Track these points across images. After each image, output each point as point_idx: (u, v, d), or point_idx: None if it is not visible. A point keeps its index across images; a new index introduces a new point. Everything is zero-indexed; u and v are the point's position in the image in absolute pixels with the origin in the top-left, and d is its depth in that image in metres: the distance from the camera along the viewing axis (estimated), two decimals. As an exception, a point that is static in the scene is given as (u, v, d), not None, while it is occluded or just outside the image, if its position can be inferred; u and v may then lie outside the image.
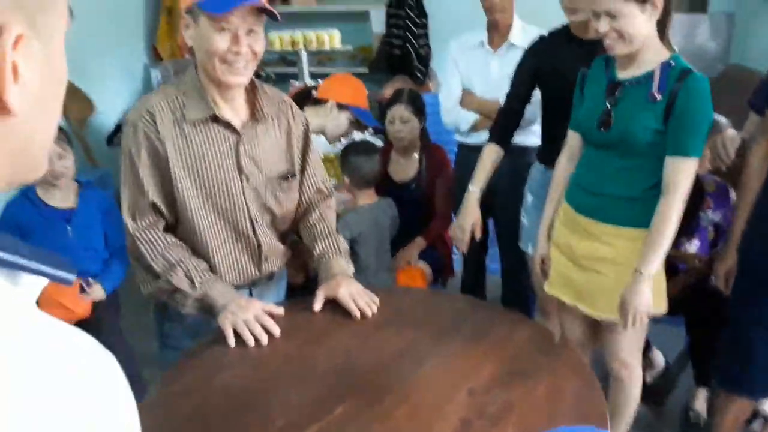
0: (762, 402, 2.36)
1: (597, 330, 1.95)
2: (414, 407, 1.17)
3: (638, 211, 1.72)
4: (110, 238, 2.46)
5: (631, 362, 1.93)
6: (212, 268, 1.56)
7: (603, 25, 1.62)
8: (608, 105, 1.71)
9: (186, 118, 1.48)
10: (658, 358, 2.63)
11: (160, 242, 1.50)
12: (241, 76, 1.47)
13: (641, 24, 1.61)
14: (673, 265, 2.44)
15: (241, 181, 1.55)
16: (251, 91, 1.57)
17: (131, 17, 4.78)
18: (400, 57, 4.78)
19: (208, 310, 1.49)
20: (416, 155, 2.77)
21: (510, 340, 1.41)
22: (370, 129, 3.95)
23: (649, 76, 1.65)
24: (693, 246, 2.44)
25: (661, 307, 1.81)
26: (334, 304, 1.55)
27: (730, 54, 4.89)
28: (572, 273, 1.86)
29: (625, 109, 1.69)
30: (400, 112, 2.67)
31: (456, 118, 2.65)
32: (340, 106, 2.35)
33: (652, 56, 1.66)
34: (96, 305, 2.32)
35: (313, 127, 2.37)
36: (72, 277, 0.41)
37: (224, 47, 1.41)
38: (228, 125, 1.52)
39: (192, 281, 1.48)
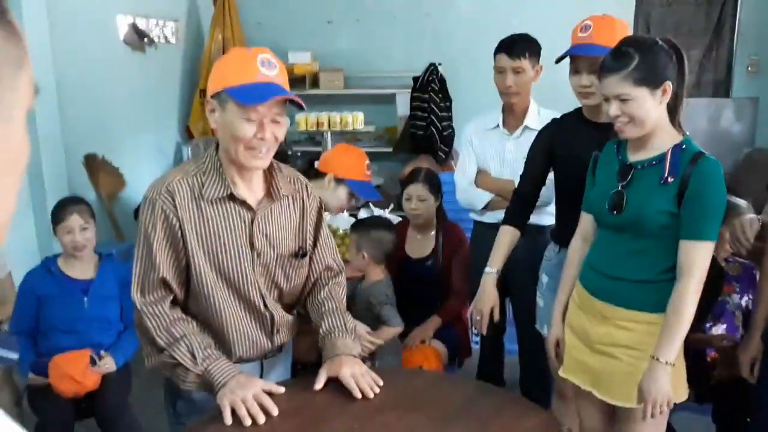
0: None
1: (615, 418, 1.87)
2: None
3: (653, 295, 1.68)
4: (126, 311, 2.48)
5: (650, 451, 1.82)
6: (226, 342, 1.58)
7: (614, 109, 1.64)
8: (620, 187, 1.71)
9: (204, 196, 1.52)
10: (686, 453, 2.48)
11: (166, 317, 1.51)
12: (262, 160, 1.52)
13: (651, 108, 1.62)
14: (700, 352, 2.35)
15: (253, 258, 1.58)
16: (268, 170, 1.61)
17: (168, 98, 5.02)
18: (424, 137, 4.88)
19: (208, 387, 1.48)
20: (433, 233, 2.78)
21: (515, 429, 1.35)
22: (391, 204, 4.03)
23: (661, 159, 1.65)
24: (720, 329, 2.36)
25: (683, 396, 1.73)
26: (336, 384, 1.52)
27: (755, 138, 4.89)
28: (587, 357, 1.80)
29: (637, 192, 1.68)
30: (417, 190, 2.70)
31: (471, 197, 2.67)
32: (338, 180, 2.37)
33: (663, 140, 1.67)
34: (106, 378, 2.31)
35: None
36: (13, 355, 0.41)
37: (250, 135, 1.46)
38: (244, 203, 1.55)
39: (194, 356, 1.48)
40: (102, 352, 2.35)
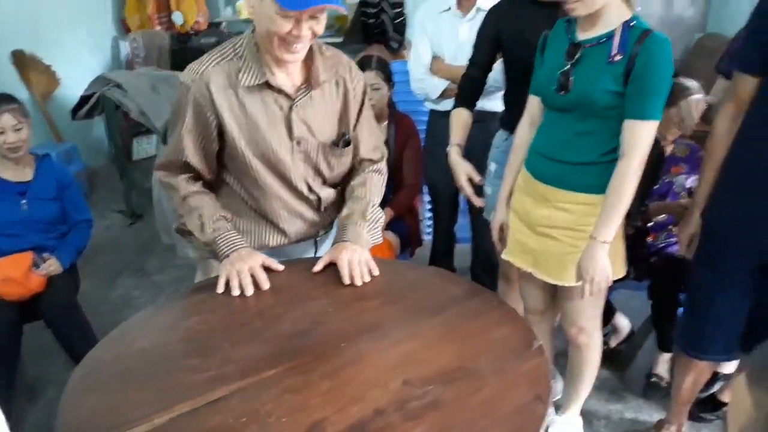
0: (722, 364, 2.38)
1: (556, 297, 1.94)
2: (340, 384, 1.13)
3: (595, 177, 1.69)
4: (69, 213, 2.41)
5: (588, 328, 1.92)
6: (279, 223, 1.63)
7: None
8: (568, 65, 1.67)
9: (240, 83, 1.48)
10: (623, 324, 2.64)
11: (182, 189, 1.57)
12: (297, 54, 1.46)
13: None
14: (640, 233, 2.43)
15: (292, 146, 1.56)
16: (308, 56, 1.53)
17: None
18: (375, 25, 4.71)
19: (215, 256, 1.55)
20: (385, 124, 2.73)
21: (486, 334, 1.31)
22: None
23: (610, 36, 1.61)
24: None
25: (620, 273, 1.80)
26: (335, 270, 1.52)
27: (707, 23, 4.86)
28: (529, 239, 1.84)
29: (584, 70, 1.65)
30: (369, 78, 2.60)
31: (426, 86, 2.61)
32: None
33: (613, 17, 1.62)
34: (52, 279, 2.27)
35: None
36: None
37: (286, 30, 1.39)
38: (280, 91, 1.51)
39: (203, 226, 1.54)
40: (45, 255, 2.30)
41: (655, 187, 2.43)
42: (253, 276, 1.48)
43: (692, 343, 1.91)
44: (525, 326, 1.34)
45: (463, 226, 2.94)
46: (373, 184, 1.70)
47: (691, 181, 2.41)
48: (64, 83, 4.16)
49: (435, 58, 2.59)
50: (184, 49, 4.78)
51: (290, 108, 1.53)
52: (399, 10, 4.72)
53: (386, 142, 2.69)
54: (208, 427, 1.04)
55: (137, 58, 4.61)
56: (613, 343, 2.57)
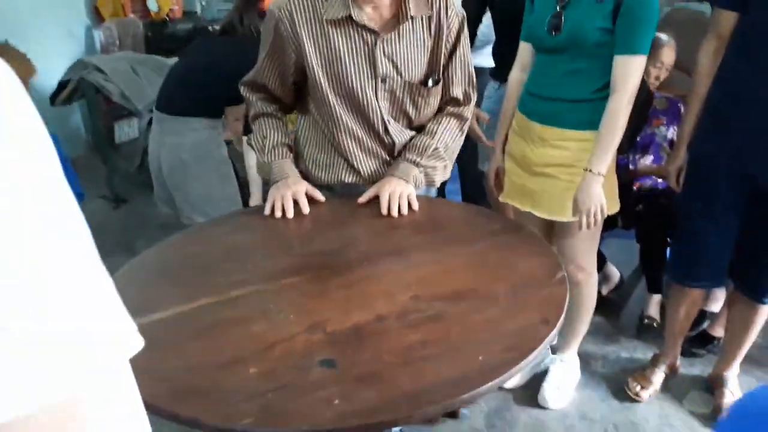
0: (710, 301, 2.49)
1: (554, 235, 2.01)
2: (352, 295, 1.17)
3: (588, 113, 1.77)
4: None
5: (586, 266, 1.99)
6: (351, 160, 1.60)
7: None
8: (558, 8, 1.75)
9: (324, 17, 1.47)
10: (614, 272, 2.73)
11: (257, 107, 1.63)
12: None
13: None
14: (628, 184, 2.53)
15: (376, 84, 1.52)
16: None
17: (69, -24, 4.61)
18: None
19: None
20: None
21: (511, 264, 1.30)
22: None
23: None
24: (647, 161, 2.53)
25: (614, 208, 1.88)
26: (378, 203, 1.54)
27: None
28: (526, 181, 1.90)
29: (574, 11, 1.73)
30: None
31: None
32: None
33: None
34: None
35: None
36: None
37: None
38: (365, 26, 1.47)
39: (264, 150, 1.59)
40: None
41: (638, 138, 2.53)
42: (296, 201, 1.51)
43: (684, 272, 2.00)
44: (555, 260, 1.30)
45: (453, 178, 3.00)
46: (445, 128, 1.63)
47: (671, 132, 2.51)
48: (39, 72, 4.10)
49: None
50: (159, 37, 4.76)
51: (375, 43, 1.48)
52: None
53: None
54: (222, 317, 1.10)
55: (111, 46, 4.57)
56: (604, 291, 2.66)
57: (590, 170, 1.75)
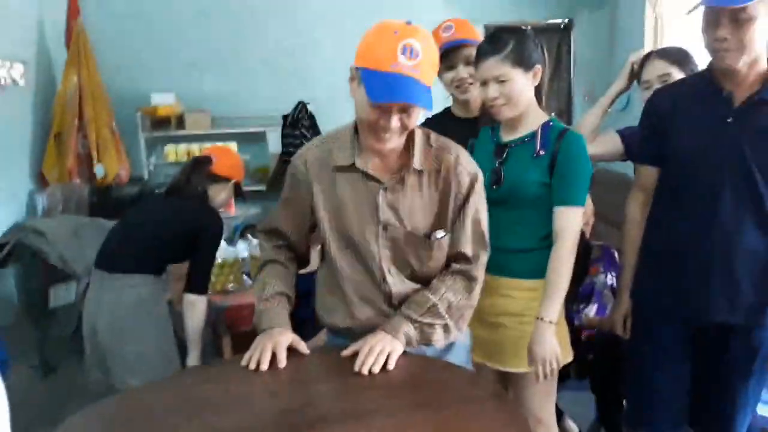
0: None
1: (510, 387, 1.96)
2: None
3: (533, 262, 1.82)
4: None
5: (545, 418, 1.93)
6: (349, 305, 1.59)
7: (492, 91, 1.78)
8: (497, 164, 1.85)
9: (331, 164, 1.54)
10: (571, 427, 2.65)
11: (266, 252, 1.66)
12: (386, 144, 1.45)
13: (524, 88, 1.79)
14: (576, 333, 2.54)
15: (378, 231, 1.54)
16: (408, 141, 1.53)
17: (18, 142, 4.65)
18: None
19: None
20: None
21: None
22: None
23: (533, 136, 1.82)
24: (592, 310, 2.56)
25: (568, 357, 1.86)
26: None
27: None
28: (477, 330, 1.88)
29: (513, 166, 1.83)
30: None
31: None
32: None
33: (533, 119, 1.84)
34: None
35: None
36: None
37: (375, 119, 1.42)
38: (370, 175, 1.52)
39: (260, 298, 1.58)
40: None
41: (580, 288, 2.58)
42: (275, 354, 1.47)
43: (638, 419, 1.96)
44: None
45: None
46: (449, 285, 1.58)
47: (610, 279, 2.59)
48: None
49: None
50: (104, 202, 4.75)
51: (378, 192, 1.53)
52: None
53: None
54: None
55: (54, 210, 4.52)
56: (564, 447, 2.56)
57: (541, 318, 1.75)
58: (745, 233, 1.70)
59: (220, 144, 4.56)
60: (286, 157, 4.97)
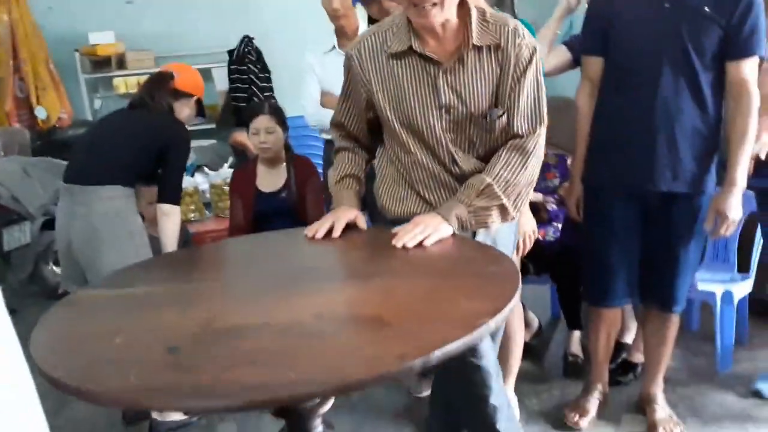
0: (624, 334, 2.63)
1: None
2: (269, 304, 1.20)
3: None
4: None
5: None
6: (418, 189, 1.60)
7: None
8: None
9: (388, 51, 1.52)
10: (532, 319, 2.84)
11: (335, 142, 1.72)
12: (429, 18, 1.42)
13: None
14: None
15: (441, 115, 1.52)
16: (462, 18, 1.48)
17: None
18: (249, 109, 4.86)
19: None
20: (283, 165, 2.83)
21: (449, 302, 1.16)
22: (225, 164, 4.11)
23: None
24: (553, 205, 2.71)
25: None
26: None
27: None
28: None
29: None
30: (264, 122, 2.73)
31: (321, 117, 2.77)
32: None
33: None
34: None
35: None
36: None
37: None
38: (428, 57, 1.49)
39: (332, 183, 1.65)
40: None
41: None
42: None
43: (598, 295, 2.14)
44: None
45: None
46: (504, 163, 1.53)
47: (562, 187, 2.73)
48: None
49: (325, 93, 2.78)
50: (47, 145, 4.61)
51: (437, 74, 1.50)
52: (269, 93, 4.94)
53: (287, 182, 2.81)
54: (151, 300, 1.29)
55: (-5, 156, 4.38)
56: (527, 338, 2.73)
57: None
58: (684, 111, 1.86)
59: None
60: (234, 92, 4.91)
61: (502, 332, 1.86)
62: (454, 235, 1.46)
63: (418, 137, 1.55)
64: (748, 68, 1.84)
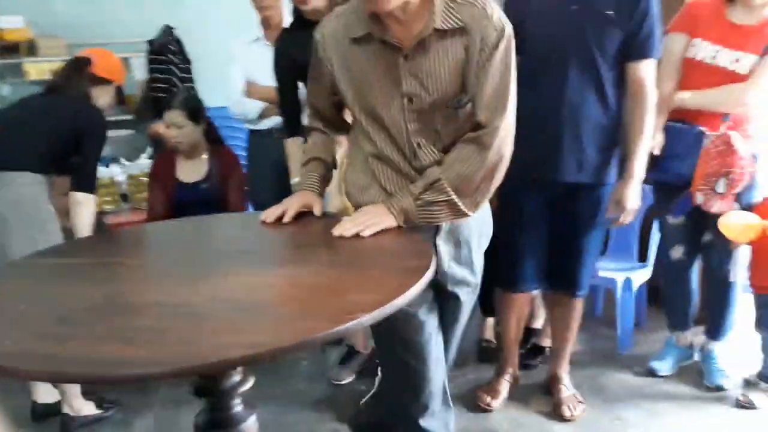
0: (533, 320, 2.77)
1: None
2: (183, 284, 1.21)
3: None
4: None
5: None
6: (384, 183, 1.52)
7: None
8: None
9: (348, 36, 1.44)
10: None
11: (309, 122, 1.70)
12: (377, 4, 1.31)
13: None
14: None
15: (403, 104, 1.43)
16: (429, 2, 1.37)
17: None
18: (167, 100, 4.75)
19: None
20: (204, 156, 2.81)
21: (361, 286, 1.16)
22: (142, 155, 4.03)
23: None
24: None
25: None
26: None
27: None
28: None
29: None
30: (173, 117, 2.70)
31: (244, 107, 2.77)
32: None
33: None
34: None
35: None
36: None
37: None
38: (387, 42, 1.39)
39: (301, 165, 1.65)
40: None
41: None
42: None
43: (508, 280, 2.25)
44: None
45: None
46: (457, 156, 1.45)
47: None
48: None
49: (249, 83, 2.78)
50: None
51: (398, 61, 1.40)
52: (190, 84, 4.84)
53: (208, 175, 2.78)
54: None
55: None
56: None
57: None
58: (588, 106, 2.00)
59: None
60: (153, 83, 4.78)
61: (454, 353, 1.89)
62: (400, 227, 1.42)
63: (380, 125, 1.48)
64: (646, 69, 1.99)
